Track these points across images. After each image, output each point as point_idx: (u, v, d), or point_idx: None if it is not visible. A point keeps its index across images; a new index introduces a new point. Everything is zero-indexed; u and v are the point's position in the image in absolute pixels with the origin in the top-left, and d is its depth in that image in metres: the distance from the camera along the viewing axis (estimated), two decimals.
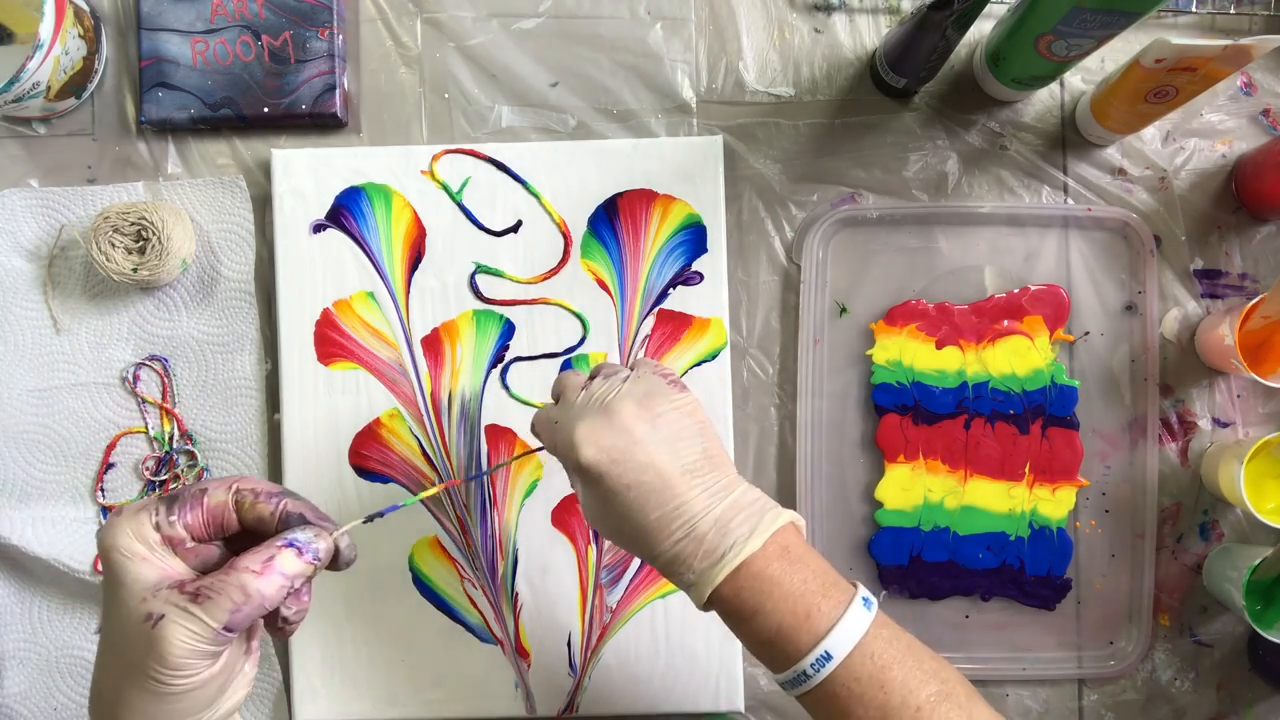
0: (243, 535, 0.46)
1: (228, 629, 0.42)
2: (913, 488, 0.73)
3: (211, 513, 0.45)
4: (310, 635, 0.73)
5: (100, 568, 0.43)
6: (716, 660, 0.73)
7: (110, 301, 0.75)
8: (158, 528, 0.44)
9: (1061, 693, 0.74)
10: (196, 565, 0.45)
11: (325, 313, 0.74)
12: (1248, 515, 0.70)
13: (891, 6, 0.76)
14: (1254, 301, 0.68)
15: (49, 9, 0.68)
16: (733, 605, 0.50)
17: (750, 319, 0.75)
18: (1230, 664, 0.74)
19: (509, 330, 0.74)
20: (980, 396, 0.73)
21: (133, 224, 0.71)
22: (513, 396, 0.74)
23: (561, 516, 0.74)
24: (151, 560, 0.43)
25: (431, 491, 0.57)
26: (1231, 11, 0.75)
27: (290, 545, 0.44)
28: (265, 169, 0.75)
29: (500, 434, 0.74)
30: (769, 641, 0.49)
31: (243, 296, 0.74)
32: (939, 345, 0.73)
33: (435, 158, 0.74)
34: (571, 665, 0.74)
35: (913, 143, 0.75)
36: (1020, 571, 0.73)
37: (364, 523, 0.51)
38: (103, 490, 0.75)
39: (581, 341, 0.74)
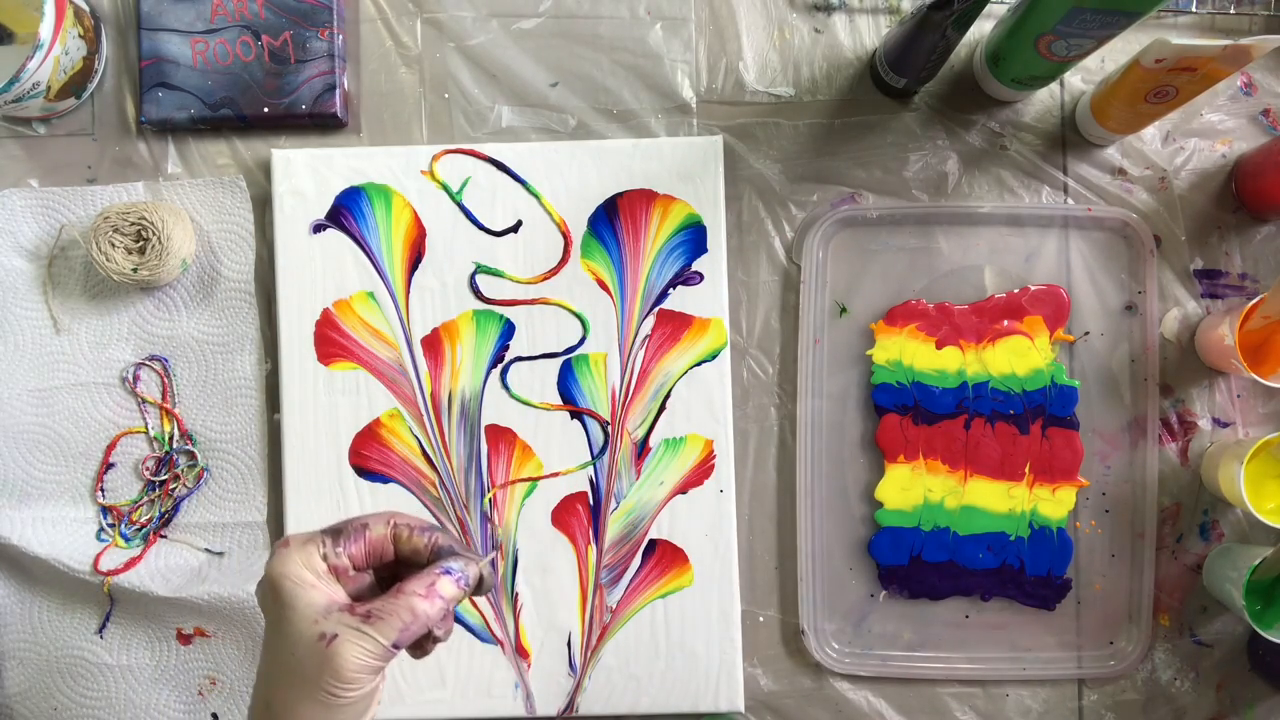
0: (388, 565, 0.51)
1: (395, 646, 0.46)
2: (913, 488, 0.73)
3: (372, 545, 0.49)
4: None
5: (265, 594, 0.48)
6: (716, 660, 0.73)
7: (110, 301, 0.75)
8: (324, 558, 0.48)
9: (1061, 693, 0.74)
10: (352, 592, 0.49)
11: (325, 313, 0.74)
12: (1248, 515, 0.70)
13: (891, 6, 0.76)
14: (1254, 301, 0.68)
15: (49, 9, 0.68)
16: None
17: (750, 319, 0.75)
18: (1230, 664, 0.74)
19: (509, 330, 0.74)
20: (980, 396, 0.73)
21: (133, 224, 0.71)
22: (513, 396, 0.74)
23: (561, 516, 0.74)
24: (319, 587, 0.47)
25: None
26: (1231, 11, 0.75)
27: (447, 573, 0.48)
28: (265, 169, 0.75)
29: (500, 434, 0.74)
30: None
31: (243, 296, 0.74)
32: (939, 345, 0.73)
33: (435, 158, 0.74)
34: (571, 665, 0.74)
35: (913, 143, 0.75)
36: (1020, 571, 0.73)
37: (494, 550, 0.68)
38: (103, 490, 0.75)
39: (581, 341, 0.74)
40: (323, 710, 0.46)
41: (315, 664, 0.45)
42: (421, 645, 0.51)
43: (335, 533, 0.49)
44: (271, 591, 0.47)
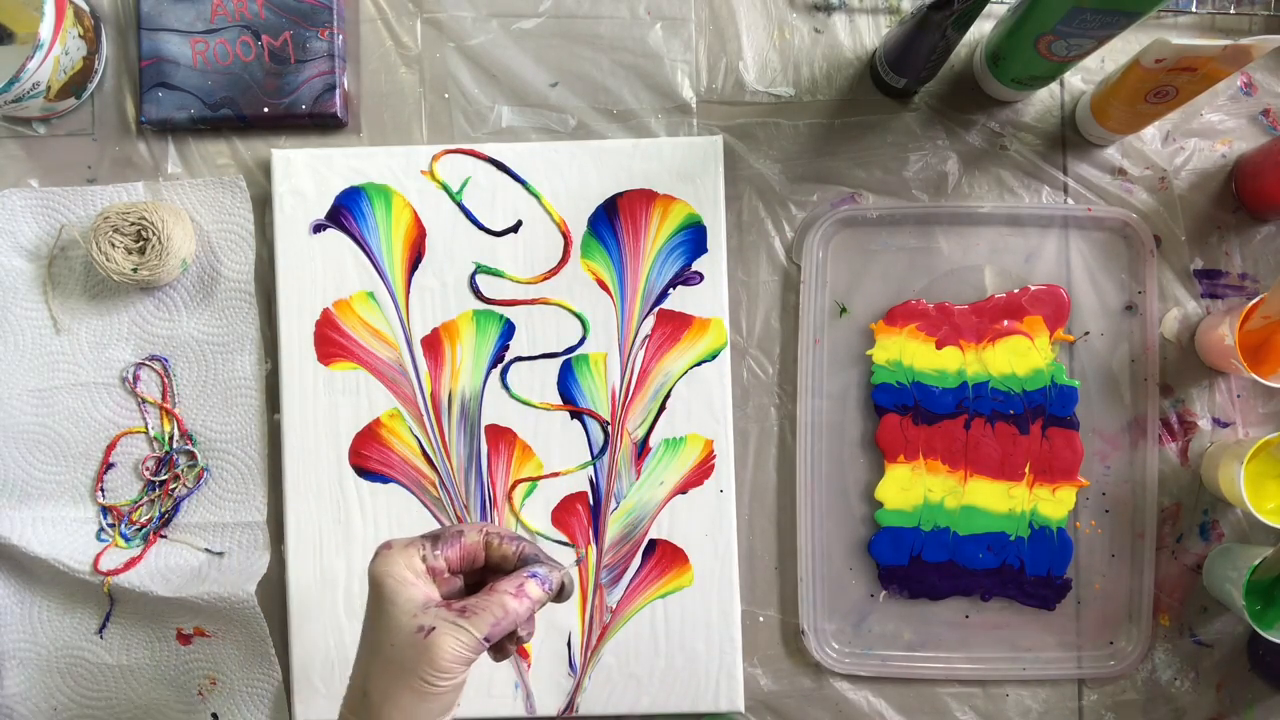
0: (476, 572, 0.56)
1: (487, 639, 0.51)
2: (913, 488, 0.73)
3: (466, 550, 0.54)
4: (310, 635, 0.73)
5: (369, 591, 0.53)
6: (716, 660, 0.73)
7: (110, 301, 0.75)
8: (424, 559, 0.53)
9: (1061, 693, 0.74)
10: (444, 593, 0.53)
11: (325, 313, 0.74)
12: (1248, 515, 0.70)
13: (891, 6, 0.76)
14: (1254, 301, 0.68)
15: (49, 9, 0.68)
16: None
17: (750, 319, 0.75)
18: (1230, 664, 0.74)
19: (509, 330, 0.74)
20: (980, 396, 0.73)
21: (133, 224, 0.71)
22: (513, 396, 0.74)
23: (561, 516, 0.74)
24: (419, 585, 0.52)
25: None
26: (1231, 11, 0.75)
27: (534, 576, 0.53)
28: (265, 169, 0.75)
29: (500, 434, 0.74)
30: None
31: (243, 296, 0.74)
32: (939, 345, 0.73)
33: (435, 158, 0.74)
34: (571, 665, 0.74)
35: (913, 143, 0.75)
36: (1020, 571, 0.73)
37: (576, 564, 0.72)
38: (103, 490, 0.75)
39: (581, 341, 0.74)
40: (417, 698, 0.50)
41: (414, 654, 0.49)
42: (502, 647, 0.56)
43: (434, 537, 0.54)
44: (374, 588, 0.52)
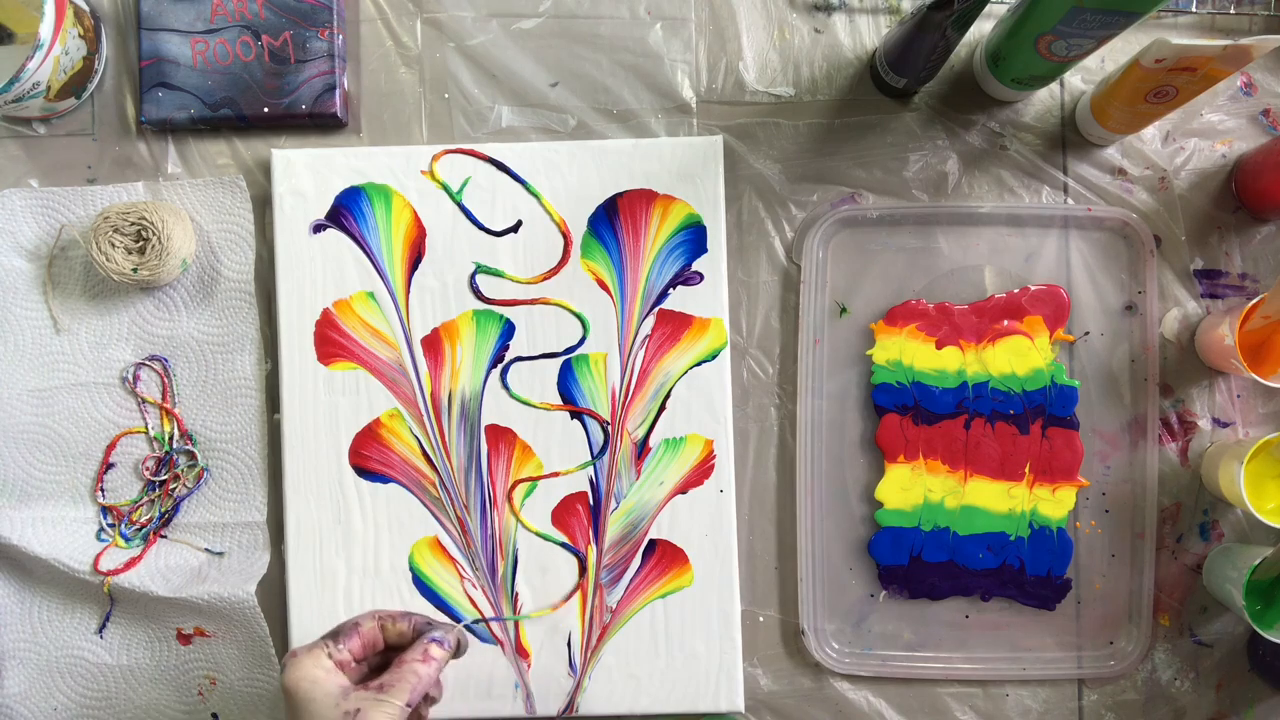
0: (378, 655, 0.61)
1: (409, 705, 0.56)
2: (913, 488, 0.73)
3: (365, 637, 0.60)
4: (310, 635, 0.73)
5: (285, 696, 0.57)
6: (716, 660, 0.73)
7: (110, 301, 0.75)
8: (330, 655, 0.57)
9: (1061, 693, 0.74)
10: (355, 681, 0.58)
11: (325, 313, 0.74)
12: (1248, 515, 0.70)
13: (891, 6, 0.76)
14: (1254, 301, 0.68)
15: (49, 9, 0.68)
16: None
17: (750, 319, 0.75)
18: (1230, 664, 0.74)
19: (509, 330, 0.74)
20: (980, 396, 0.73)
21: (133, 224, 0.71)
22: (513, 396, 0.74)
23: (561, 516, 0.74)
24: (331, 678, 0.56)
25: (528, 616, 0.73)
26: (1231, 11, 0.75)
27: (434, 640, 0.60)
28: (265, 169, 0.75)
29: (500, 434, 0.74)
30: None
31: (243, 296, 0.74)
32: (939, 345, 0.73)
33: (435, 158, 0.74)
34: (571, 665, 0.74)
35: (913, 143, 0.75)
36: (1020, 571, 0.73)
37: (474, 623, 0.73)
38: (103, 490, 0.75)
39: (581, 341, 0.74)
40: None
41: None
42: (418, 712, 0.61)
43: (334, 635, 0.59)
44: (289, 697, 0.56)
